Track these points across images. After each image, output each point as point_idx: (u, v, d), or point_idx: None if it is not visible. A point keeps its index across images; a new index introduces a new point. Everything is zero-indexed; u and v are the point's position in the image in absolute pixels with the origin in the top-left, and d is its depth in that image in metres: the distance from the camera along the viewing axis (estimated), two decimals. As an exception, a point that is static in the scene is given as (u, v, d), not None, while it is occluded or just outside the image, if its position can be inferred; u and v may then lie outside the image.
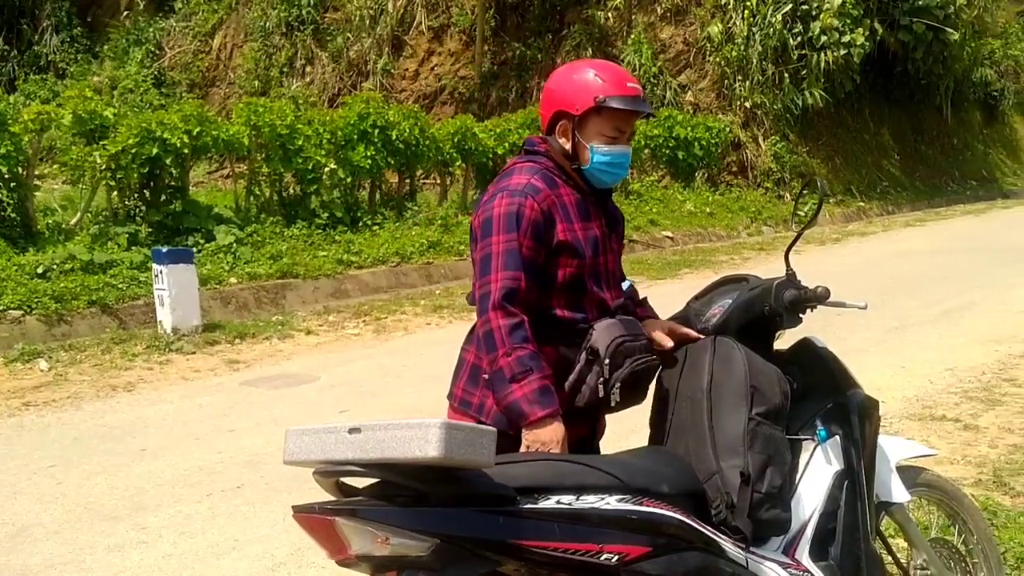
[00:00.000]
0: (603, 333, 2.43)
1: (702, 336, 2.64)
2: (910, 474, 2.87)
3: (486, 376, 2.45)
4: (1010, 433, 5.31)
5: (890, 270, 11.41)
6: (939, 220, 18.64)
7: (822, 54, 17.95)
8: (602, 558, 2.09)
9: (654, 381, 2.69)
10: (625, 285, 2.93)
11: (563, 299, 2.48)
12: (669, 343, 2.63)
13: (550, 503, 2.09)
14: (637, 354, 2.45)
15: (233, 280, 9.36)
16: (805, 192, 3.14)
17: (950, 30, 20.10)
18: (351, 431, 1.98)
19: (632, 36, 18.93)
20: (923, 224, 17.85)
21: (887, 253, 13.28)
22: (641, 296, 2.84)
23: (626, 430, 5.10)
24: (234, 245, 10.17)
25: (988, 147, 27.16)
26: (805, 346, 2.74)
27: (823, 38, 17.88)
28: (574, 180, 2.54)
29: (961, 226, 17.28)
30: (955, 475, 4.46)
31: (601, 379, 2.40)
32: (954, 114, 24.93)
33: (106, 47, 22.97)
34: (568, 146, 2.53)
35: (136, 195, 10.33)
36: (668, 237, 14.53)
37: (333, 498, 2.12)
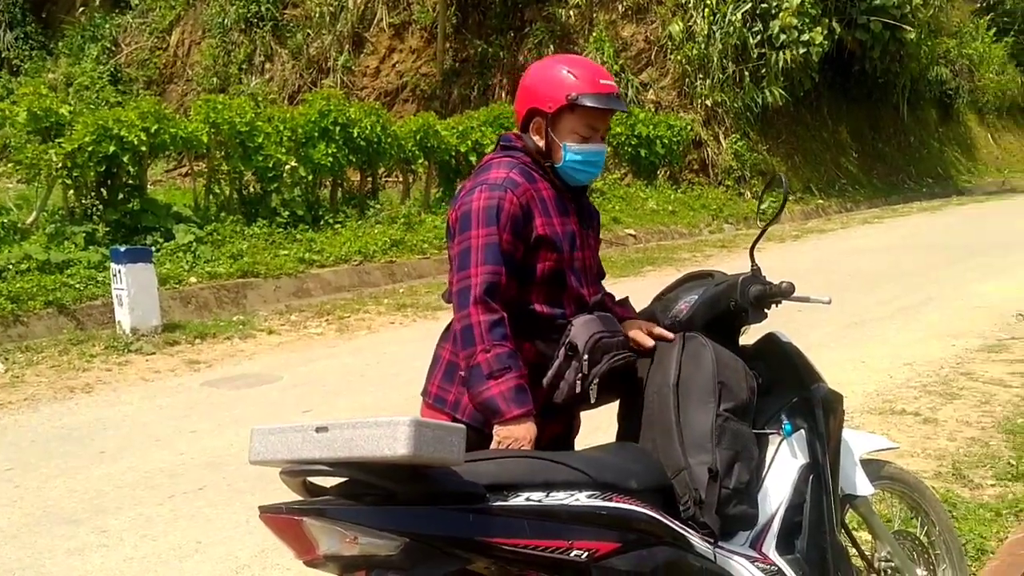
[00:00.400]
0: (582, 329, 2.43)
1: (676, 335, 2.65)
2: (873, 467, 2.91)
3: (462, 374, 2.43)
4: (968, 426, 5.39)
5: (849, 266, 11.55)
6: (896, 217, 18.91)
7: (781, 53, 18.13)
8: (572, 554, 2.08)
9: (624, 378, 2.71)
10: None
11: (542, 294, 2.47)
12: (650, 343, 2.63)
13: (520, 500, 2.08)
14: (615, 350, 2.45)
15: (193, 279, 9.25)
16: (769, 189, 3.16)
17: (907, 28, 20.40)
18: (318, 430, 1.95)
19: (594, 34, 18.97)
20: (881, 221, 18.10)
21: (846, 250, 13.45)
22: (613, 295, 2.84)
23: (591, 427, 5.12)
24: (194, 244, 10.04)
25: (943, 145, 27.60)
26: (770, 341, 2.76)
27: (782, 37, 18.06)
28: (550, 176, 2.54)
29: (918, 223, 17.54)
30: (915, 468, 4.53)
31: (579, 375, 2.40)
32: (910, 112, 25.31)
33: (61, 44, 22.56)
34: (542, 144, 2.52)
35: (93, 194, 10.17)
36: (631, 235, 14.59)
37: (300, 498, 2.10)
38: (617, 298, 2.84)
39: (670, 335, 2.63)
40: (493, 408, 2.31)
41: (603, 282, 2.83)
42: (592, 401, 2.44)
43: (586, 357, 2.39)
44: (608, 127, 2.57)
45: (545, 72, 2.52)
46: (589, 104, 2.43)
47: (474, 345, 2.33)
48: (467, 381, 2.37)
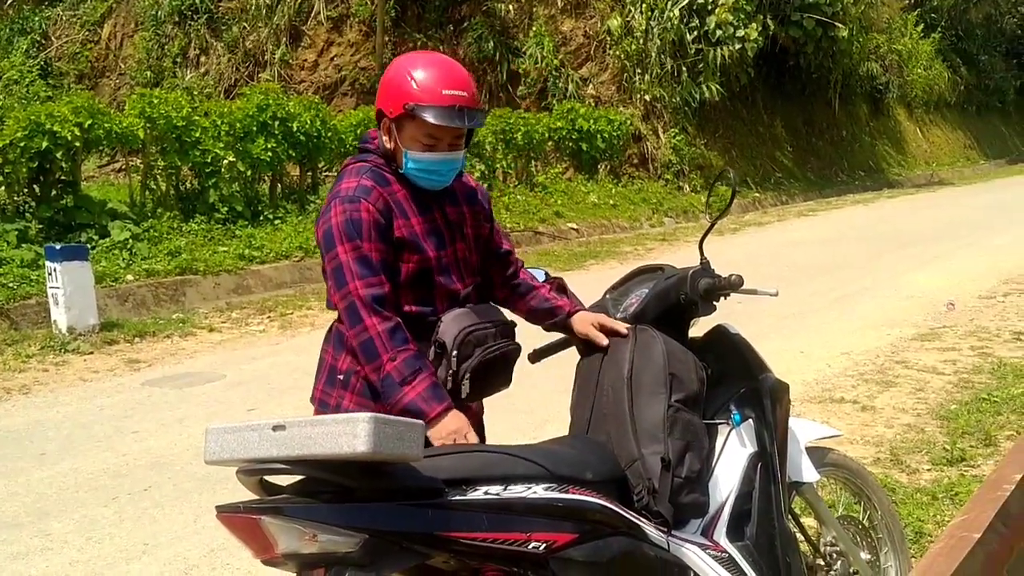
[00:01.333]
0: (450, 325, 2.42)
1: (629, 328, 2.67)
2: (818, 455, 2.98)
3: (340, 377, 2.48)
4: (904, 413, 5.55)
5: (786, 258, 11.78)
6: (830, 210, 19.30)
7: (718, 49, 18.37)
8: (530, 546, 2.11)
9: (575, 369, 2.74)
10: (540, 275, 2.96)
11: (410, 295, 2.47)
12: (604, 341, 2.64)
13: (478, 494, 2.10)
14: (490, 342, 2.44)
15: (130, 277, 9.07)
16: (716, 183, 3.21)
17: (839, 25, 20.81)
18: (275, 428, 1.95)
19: (533, 28, 19.01)
20: (815, 214, 18.46)
21: (783, 242, 13.70)
22: (550, 284, 2.83)
23: (540, 420, 5.16)
24: (130, 241, 9.85)
25: (875, 139, 28.22)
26: (719, 333, 2.81)
27: (719, 33, 18.29)
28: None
29: (851, 215, 17.93)
30: (855, 454, 4.64)
31: (450, 372, 2.39)
32: (842, 107, 25.84)
33: (-12, 36, 21.94)
34: (390, 145, 2.49)
35: (25, 190, 9.90)
36: (573, 229, 14.68)
37: (257, 497, 2.09)
38: (559, 285, 2.84)
39: (623, 328, 2.65)
40: (415, 411, 2.30)
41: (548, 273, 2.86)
42: (463, 396, 2.39)
43: (455, 353, 2.39)
44: (461, 133, 2.46)
45: (394, 73, 2.45)
46: (425, 118, 2.37)
47: (379, 356, 2.34)
48: (382, 392, 2.36)
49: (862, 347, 7.13)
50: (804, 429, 2.97)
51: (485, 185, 14.68)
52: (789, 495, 2.80)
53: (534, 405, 5.54)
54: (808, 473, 2.84)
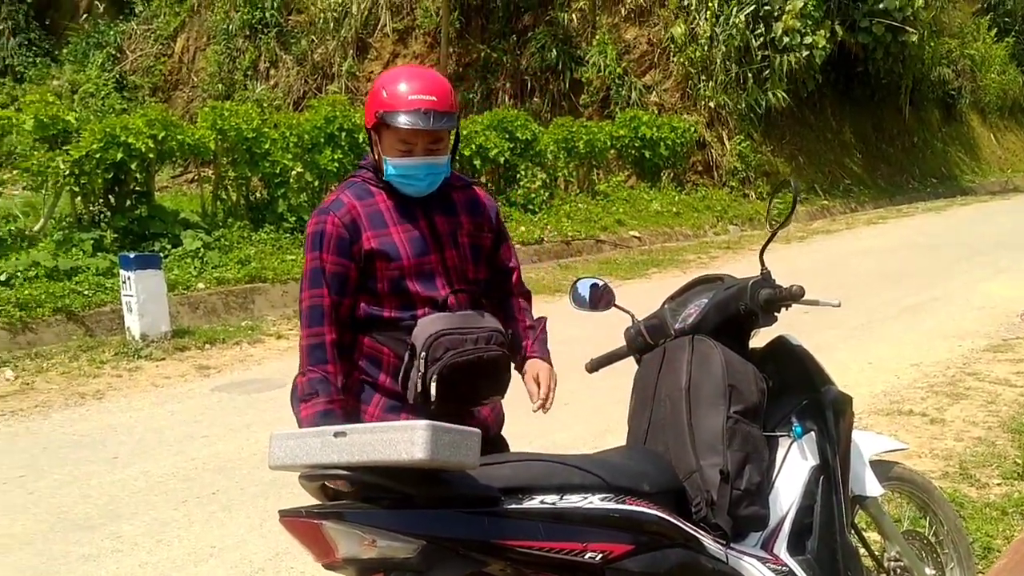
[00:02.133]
0: (423, 328, 2.44)
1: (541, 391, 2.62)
2: (882, 468, 2.93)
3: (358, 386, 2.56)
4: (975, 426, 5.41)
5: (855, 267, 11.57)
6: (901, 217, 18.91)
7: (784, 55, 18.14)
8: (586, 556, 2.12)
9: (632, 380, 2.73)
10: (584, 288, 2.96)
11: (391, 302, 2.50)
12: (534, 396, 2.62)
13: (534, 503, 2.11)
14: (466, 347, 2.42)
15: (201, 285, 9.28)
16: (778, 193, 3.18)
17: (910, 30, 20.39)
18: (336, 435, 1.99)
19: (596, 37, 19.00)
20: (885, 221, 18.10)
21: (851, 251, 13.46)
22: (534, 327, 2.76)
23: (599, 430, 5.15)
24: (201, 250, 10.08)
25: (947, 145, 27.56)
26: (780, 344, 2.78)
27: (785, 39, 18.07)
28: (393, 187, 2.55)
29: (923, 223, 17.54)
30: (923, 468, 4.55)
31: (420, 374, 2.40)
32: (913, 113, 25.29)
33: (65, 51, 22.66)
34: (375, 157, 2.57)
35: (101, 200, 10.21)
36: (635, 237, 14.60)
37: (319, 502, 2.13)
38: (534, 326, 2.77)
39: (543, 387, 2.61)
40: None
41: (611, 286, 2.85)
42: (432, 399, 2.37)
43: (423, 355, 2.39)
44: (435, 139, 2.50)
45: (373, 88, 2.54)
46: (391, 123, 2.43)
47: (300, 366, 2.46)
48: (291, 399, 2.48)
49: (932, 358, 6.97)
50: (869, 442, 2.92)
51: (546, 193, 14.73)
52: (852, 509, 2.77)
53: (593, 415, 5.53)
54: (872, 487, 2.80)
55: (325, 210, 2.50)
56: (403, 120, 2.41)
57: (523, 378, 2.69)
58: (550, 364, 2.71)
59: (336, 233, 2.46)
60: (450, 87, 2.53)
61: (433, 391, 2.37)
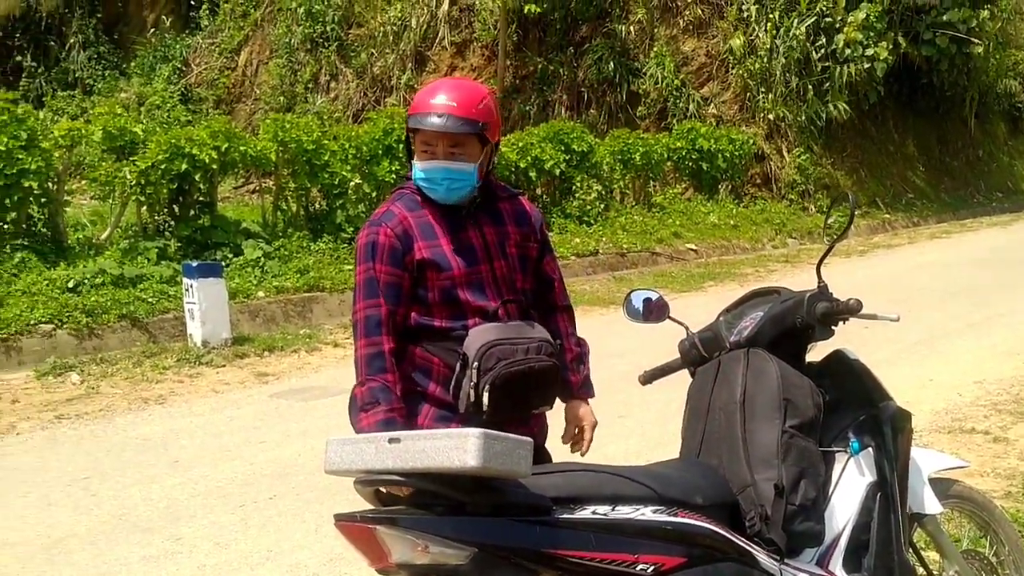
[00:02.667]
0: (474, 338, 2.45)
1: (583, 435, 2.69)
2: (942, 486, 2.88)
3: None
4: (1041, 446, 5.27)
5: (916, 282, 11.35)
6: (965, 232, 18.51)
7: (846, 67, 17.91)
8: (638, 568, 2.11)
9: (686, 392, 2.73)
10: (644, 298, 2.96)
11: (443, 312, 2.51)
12: (573, 439, 2.70)
13: (586, 513, 2.12)
14: (517, 357, 2.43)
15: (261, 294, 9.45)
16: (836, 205, 3.14)
17: (975, 42, 19.99)
18: (391, 441, 2.02)
19: (654, 49, 18.96)
20: (949, 236, 17.74)
21: (913, 265, 13.21)
22: (580, 360, 2.76)
23: (653, 442, 5.12)
24: (262, 259, 10.26)
25: (1013, 159, 26.95)
26: (837, 358, 2.75)
27: (847, 51, 17.84)
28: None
29: (987, 238, 17.15)
30: (985, 487, 4.44)
31: (472, 384, 2.40)
32: (979, 125, 24.77)
33: (133, 64, 23.24)
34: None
35: (165, 210, 10.46)
36: (692, 250, 14.51)
37: (373, 507, 2.16)
38: (578, 355, 2.77)
39: (585, 438, 2.69)
40: None
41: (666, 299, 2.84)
42: (485, 410, 2.37)
43: (475, 365, 2.40)
44: (456, 143, 2.51)
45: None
46: (411, 124, 2.52)
47: (357, 377, 2.47)
48: (349, 409, 2.48)
49: (996, 376, 6.81)
50: (928, 459, 2.87)
51: (601, 205, 14.71)
52: (910, 527, 2.72)
53: (646, 427, 5.51)
54: (931, 505, 2.75)
55: (377, 222, 2.54)
56: (419, 122, 2.49)
57: (565, 414, 2.71)
58: (591, 396, 2.75)
59: (389, 244, 2.49)
60: (482, 97, 2.55)
61: (485, 401, 2.38)
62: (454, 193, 2.55)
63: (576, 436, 2.71)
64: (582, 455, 2.67)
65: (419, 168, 2.53)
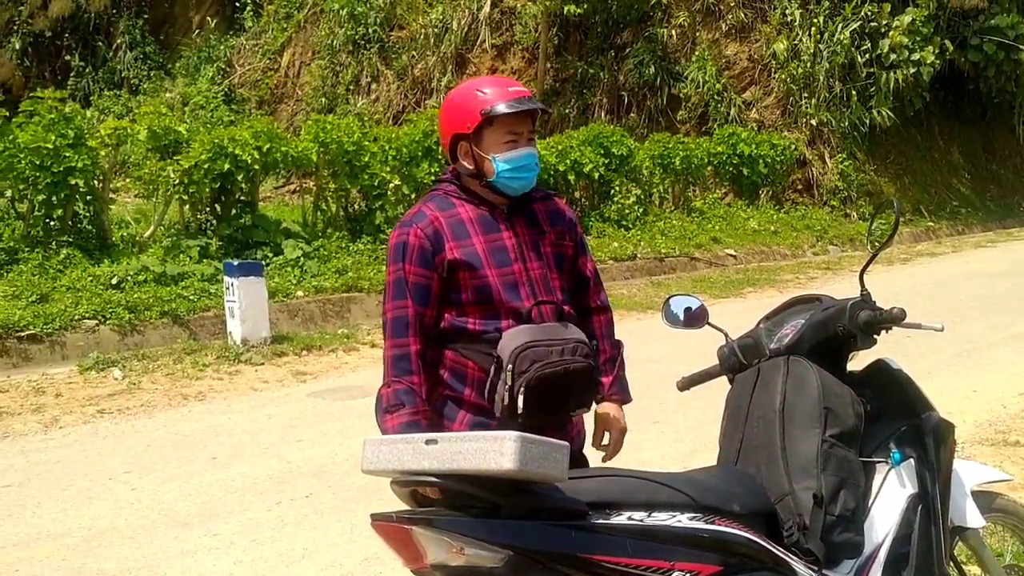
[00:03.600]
0: (508, 340, 2.42)
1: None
2: (985, 499, 2.83)
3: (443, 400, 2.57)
4: (1087, 460, 5.16)
5: (960, 291, 11.17)
6: (1012, 241, 18.17)
7: (891, 72, 17.68)
8: (673, 575, 2.10)
9: (725, 399, 2.70)
10: (683, 305, 2.94)
11: (476, 312, 2.50)
12: (601, 439, 2.70)
13: (622, 519, 2.10)
14: (552, 359, 2.40)
15: (300, 293, 9.53)
16: (880, 212, 3.10)
17: (1023, 48, 19.63)
18: (428, 442, 2.02)
19: (696, 53, 18.86)
20: (994, 245, 17.43)
21: (957, 274, 13.00)
22: (613, 361, 2.74)
23: (690, 448, 5.09)
24: (301, 259, 10.35)
25: (1063, 167, 26.41)
26: (879, 368, 2.72)
27: (892, 56, 17.61)
28: (478, 195, 2.57)
29: (1034, 247, 16.84)
30: (1030, 502, 4.36)
31: (507, 387, 2.38)
32: (1027, 133, 24.32)
33: (178, 64, 23.56)
34: (472, 166, 2.56)
35: (207, 209, 10.60)
36: (731, 255, 14.41)
37: (409, 508, 2.17)
38: (612, 357, 2.75)
39: (612, 443, 2.69)
40: None
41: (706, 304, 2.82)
42: (519, 412, 2.35)
43: (510, 367, 2.37)
44: (532, 130, 2.57)
45: (458, 98, 2.58)
46: (503, 111, 2.47)
47: (384, 378, 2.47)
48: (375, 409, 2.48)
49: (1042, 388, 6.68)
50: (971, 472, 2.83)
51: (640, 209, 14.65)
52: (951, 540, 2.68)
53: (683, 433, 5.48)
54: (973, 518, 2.70)
55: (407, 222, 2.53)
56: (511, 106, 2.48)
57: (595, 417, 2.69)
58: (625, 400, 2.73)
59: (419, 244, 2.48)
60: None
61: (520, 403, 2.36)
62: (533, 180, 2.58)
63: (605, 440, 2.69)
64: (604, 460, 2.66)
65: (512, 156, 2.51)
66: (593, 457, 2.68)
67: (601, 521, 2.08)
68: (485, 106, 2.49)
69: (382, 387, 2.47)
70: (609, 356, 2.73)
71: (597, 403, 2.68)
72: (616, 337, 2.79)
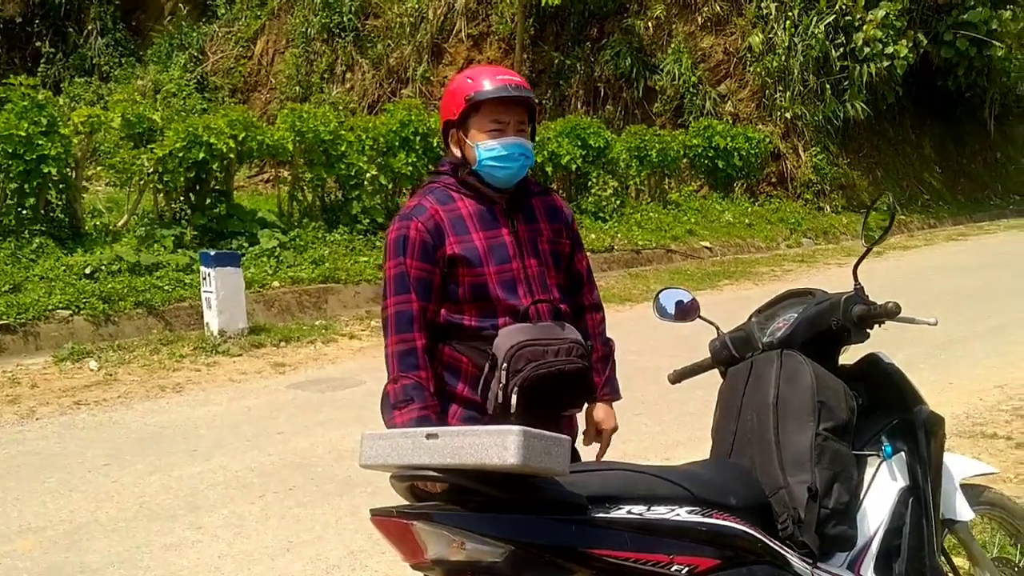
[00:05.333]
0: (504, 338, 2.43)
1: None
2: (973, 492, 2.86)
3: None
4: (1063, 452, 5.24)
5: (934, 285, 11.29)
6: (982, 234, 18.39)
7: (865, 66, 17.81)
8: (672, 569, 2.10)
9: (717, 392, 2.71)
10: (679, 302, 2.94)
11: (473, 309, 2.49)
12: (589, 440, 2.71)
13: (621, 513, 2.11)
14: (547, 359, 2.41)
15: (276, 284, 9.45)
16: (875, 207, 3.09)
17: (996, 44, 19.84)
18: (428, 436, 2.01)
19: (672, 45, 18.88)
20: (966, 238, 17.64)
21: (930, 267, 13.14)
22: (605, 360, 2.75)
23: (672, 441, 5.11)
24: (277, 249, 10.27)
25: (1032, 161, 26.76)
26: (871, 362, 2.73)
27: (866, 50, 17.74)
28: (477, 190, 2.55)
29: (1005, 241, 17.04)
30: (1009, 493, 4.40)
31: (501, 385, 2.39)
32: (997, 128, 24.60)
33: (150, 51, 23.24)
34: (459, 153, 2.56)
35: (182, 198, 10.47)
36: (706, 247, 14.47)
37: (408, 502, 2.15)
38: (604, 355, 2.75)
39: (602, 442, 2.72)
40: None
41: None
42: (512, 411, 2.36)
43: (505, 366, 2.38)
44: (522, 119, 2.54)
45: (450, 86, 2.59)
46: (486, 96, 2.46)
47: (389, 374, 2.45)
48: (382, 406, 2.48)
49: (1017, 380, 6.77)
50: (959, 465, 2.86)
51: (617, 201, 14.67)
52: (941, 533, 2.70)
53: (666, 425, 5.49)
54: (962, 511, 2.74)
55: (407, 215, 2.51)
56: (496, 91, 2.46)
57: (586, 416, 2.70)
58: (615, 399, 2.75)
59: (420, 238, 2.46)
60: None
61: (514, 402, 2.36)
62: (522, 172, 2.55)
63: (592, 437, 2.71)
64: (596, 459, 2.67)
65: (491, 146, 2.49)
66: (581, 450, 2.68)
67: (601, 515, 2.08)
68: (470, 91, 2.48)
69: (389, 383, 2.45)
70: (601, 355, 2.74)
71: (589, 403, 2.69)
72: (608, 335, 2.80)
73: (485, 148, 2.49)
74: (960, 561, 2.99)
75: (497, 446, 1.90)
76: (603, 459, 2.66)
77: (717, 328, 2.87)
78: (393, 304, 2.48)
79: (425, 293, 2.47)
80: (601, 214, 14.43)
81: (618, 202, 14.82)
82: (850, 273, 2.74)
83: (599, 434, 2.71)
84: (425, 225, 2.47)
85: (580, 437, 2.72)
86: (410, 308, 2.46)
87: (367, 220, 11.64)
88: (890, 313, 2.58)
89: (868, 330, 2.65)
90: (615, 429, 2.72)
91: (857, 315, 2.60)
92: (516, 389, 2.36)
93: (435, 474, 2.01)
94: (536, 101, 2.57)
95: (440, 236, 2.48)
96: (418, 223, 2.48)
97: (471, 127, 2.51)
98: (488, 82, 2.47)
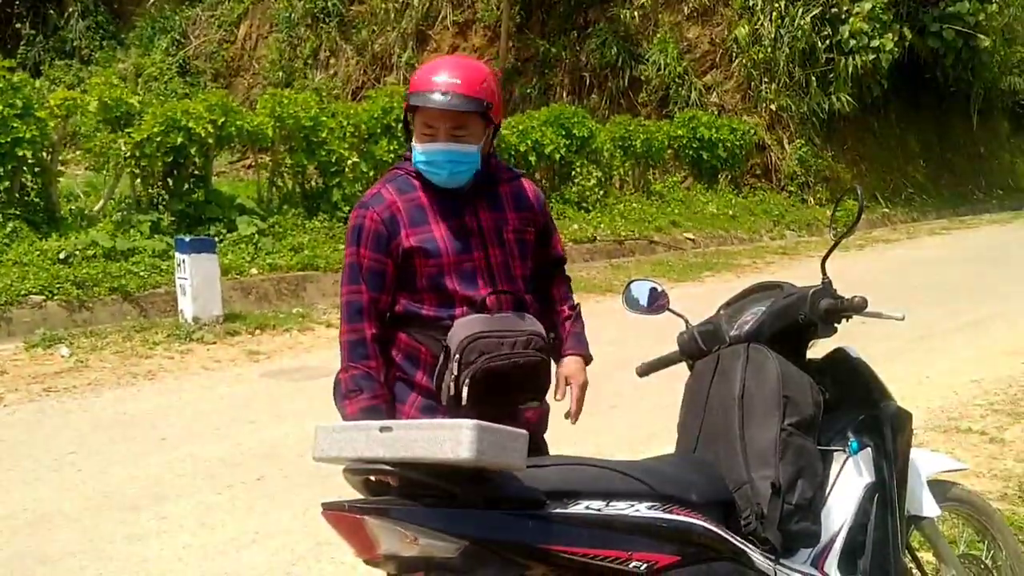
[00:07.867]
0: (459, 329, 2.39)
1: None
2: (940, 488, 2.84)
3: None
4: (1036, 447, 5.24)
5: (914, 278, 11.32)
6: (964, 228, 18.47)
7: (850, 58, 17.82)
8: (631, 566, 2.06)
9: (684, 386, 2.67)
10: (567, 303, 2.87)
11: (431, 299, 2.46)
12: (559, 394, 2.65)
13: (579, 508, 2.07)
14: (502, 351, 2.37)
15: (254, 271, 9.37)
16: (843, 199, 3.06)
17: (981, 37, 19.88)
18: (382, 429, 1.96)
19: (658, 35, 18.85)
20: (948, 232, 17.71)
21: (911, 261, 13.18)
22: (572, 318, 2.73)
23: (646, 434, 5.08)
24: (256, 236, 10.18)
25: (1015, 156, 26.90)
26: (839, 356, 2.70)
27: (852, 42, 17.75)
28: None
29: (987, 235, 17.13)
30: (980, 489, 4.41)
31: (453, 377, 2.36)
32: (981, 122, 24.67)
33: (131, 34, 23.05)
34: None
35: (159, 183, 10.36)
36: (689, 239, 14.47)
37: (362, 496, 2.11)
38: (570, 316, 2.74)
39: (574, 398, 2.66)
40: None
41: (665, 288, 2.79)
42: (463, 404, 2.32)
43: (457, 357, 2.35)
44: (460, 124, 2.41)
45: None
46: (412, 102, 2.43)
47: (342, 363, 2.46)
48: (334, 394, 2.47)
49: (993, 375, 6.77)
50: (927, 461, 2.83)
51: (600, 192, 14.63)
52: (907, 529, 2.68)
53: (641, 417, 5.47)
54: (929, 507, 2.71)
55: (365, 204, 2.48)
56: (421, 100, 2.39)
57: (555, 373, 2.64)
58: (584, 358, 2.70)
59: (374, 229, 2.44)
60: (485, 76, 2.46)
61: (464, 395, 2.33)
62: (457, 177, 2.47)
63: (564, 392, 2.66)
64: (572, 422, 2.64)
65: (420, 151, 2.44)
66: (555, 442, 2.64)
67: (559, 511, 2.04)
68: (409, 91, 2.46)
69: (340, 372, 2.45)
70: (567, 314, 2.73)
71: (557, 362, 2.66)
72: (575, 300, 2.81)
73: (417, 151, 2.46)
74: (927, 557, 2.96)
75: (450, 440, 1.86)
76: (563, 454, 2.61)
77: (686, 321, 2.84)
78: (346, 293, 2.48)
79: (377, 284, 2.45)
80: (584, 204, 14.39)
81: (601, 192, 14.79)
82: (831, 267, 2.70)
83: (569, 390, 2.66)
84: (380, 215, 2.44)
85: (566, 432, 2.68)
86: (360, 299, 2.45)
87: (347, 208, 11.53)
88: (857, 307, 2.55)
89: (836, 324, 2.62)
90: (585, 384, 2.67)
91: (824, 309, 2.56)
92: (467, 381, 2.34)
93: (389, 468, 1.97)
94: (481, 107, 2.40)
95: (395, 227, 2.44)
96: (374, 213, 2.45)
97: (414, 126, 2.48)
98: (424, 84, 2.41)
